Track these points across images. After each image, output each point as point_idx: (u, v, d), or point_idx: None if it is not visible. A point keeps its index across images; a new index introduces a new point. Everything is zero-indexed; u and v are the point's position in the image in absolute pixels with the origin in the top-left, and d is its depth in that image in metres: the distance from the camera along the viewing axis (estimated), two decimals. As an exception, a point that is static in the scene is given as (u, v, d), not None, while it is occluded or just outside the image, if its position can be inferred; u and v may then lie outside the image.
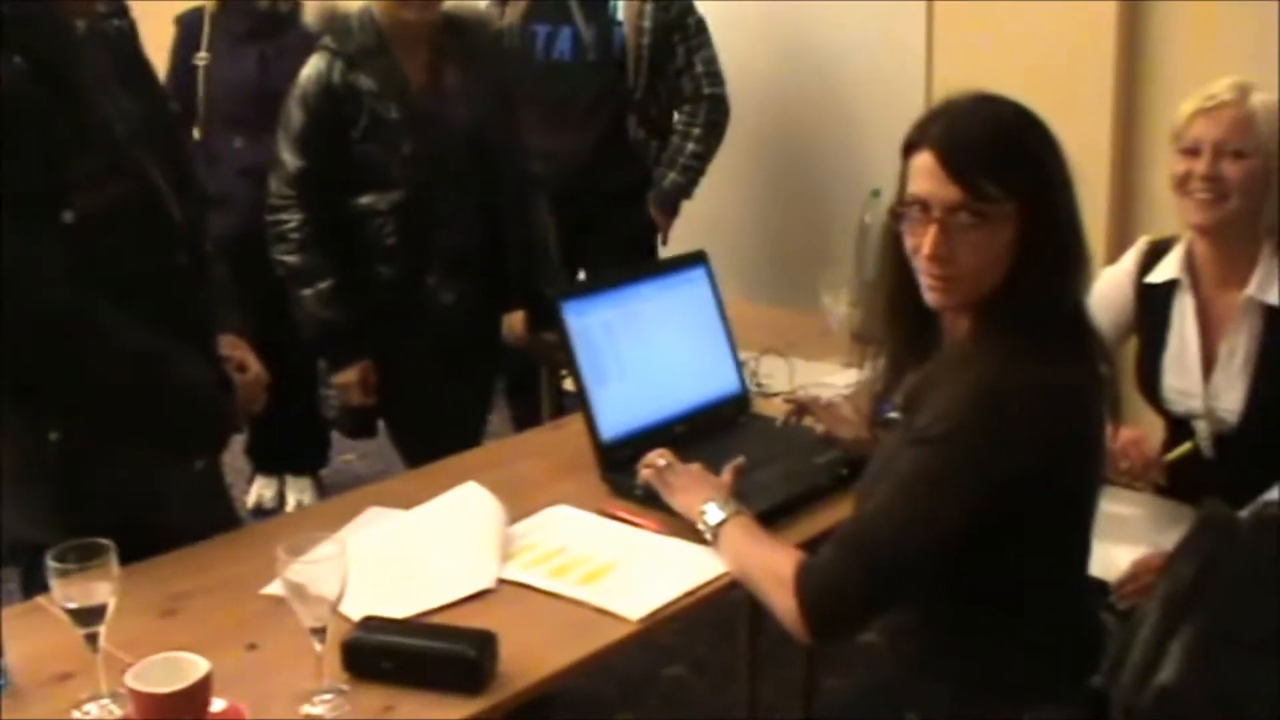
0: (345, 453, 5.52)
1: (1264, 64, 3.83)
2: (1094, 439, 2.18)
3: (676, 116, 4.72)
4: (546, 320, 3.63)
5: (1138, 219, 4.27)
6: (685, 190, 4.70)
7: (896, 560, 2.07)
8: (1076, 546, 2.25)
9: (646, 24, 4.55)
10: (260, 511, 5.08)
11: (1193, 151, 2.86)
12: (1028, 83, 3.90)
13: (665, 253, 3.52)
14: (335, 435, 5.15)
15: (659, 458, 2.57)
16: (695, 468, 2.53)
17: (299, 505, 5.13)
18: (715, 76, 4.68)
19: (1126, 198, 4.34)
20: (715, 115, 4.69)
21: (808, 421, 2.87)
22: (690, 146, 4.65)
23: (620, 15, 4.54)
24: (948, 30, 4.64)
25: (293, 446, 5.18)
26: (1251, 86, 2.85)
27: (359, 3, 3.52)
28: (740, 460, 2.55)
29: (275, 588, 2.26)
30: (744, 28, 5.17)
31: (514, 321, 3.80)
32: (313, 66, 3.47)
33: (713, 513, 2.38)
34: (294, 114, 3.47)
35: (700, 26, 4.67)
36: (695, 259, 3.08)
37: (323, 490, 5.23)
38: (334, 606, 2.01)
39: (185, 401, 2.54)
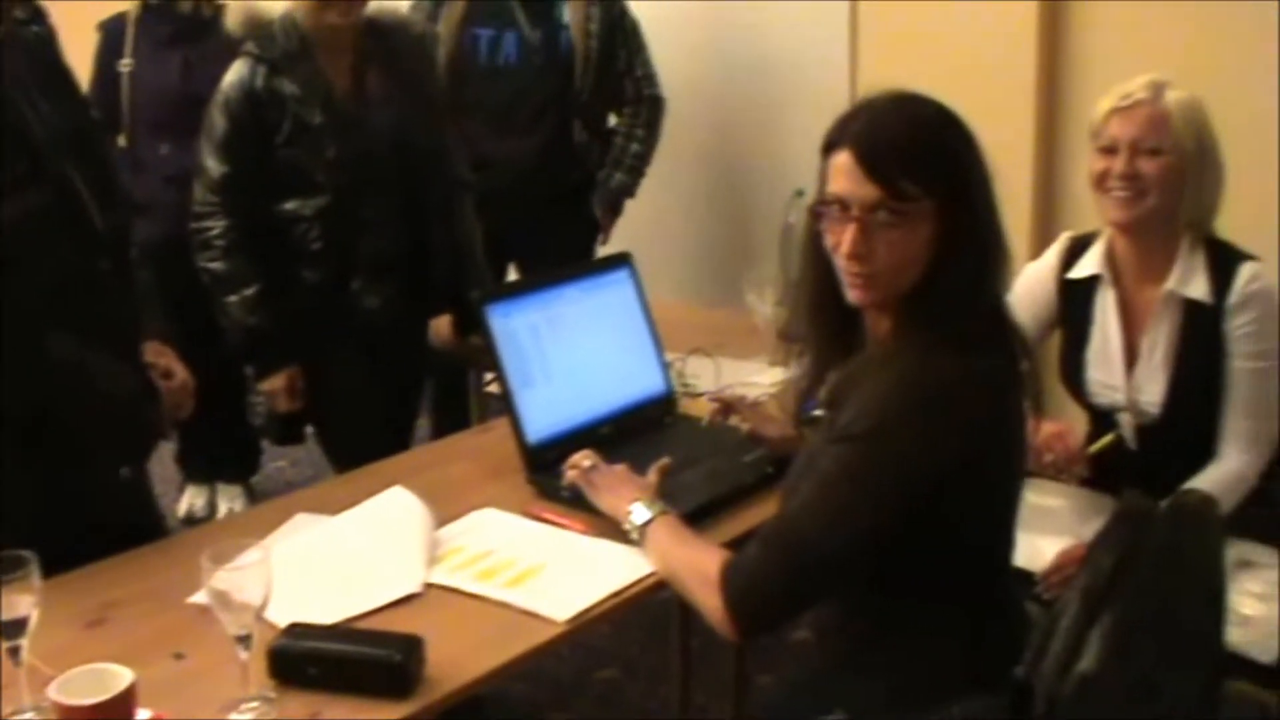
0: (277, 460, 5.50)
1: (1184, 61, 3.88)
2: (1014, 432, 2.21)
3: (618, 118, 4.75)
4: (473, 324, 3.65)
5: (1060, 215, 4.30)
6: (630, 190, 4.75)
7: (820, 557, 2.08)
8: (1001, 539, 2.28)
9: (594, 27, 4.56)
10: (191, 520, 5.05)
11: (1110, 150, 2.90)
12: (951, 81, 3.93)
13: (600, 253, 3.54)
14: (266, 442, 5.14)
15: (584, 459, 2.57)
16: (620, 468, 2.54)
17: (230, 513, 5.09)
18: (652, 78, 4.73)
19: (1049, 194, 4.38)
20: (655, 116, 4.73)
21: (734, 421, 2.88)
22: (634, 147, 4.70)
23: (565, 18, 4.55)
24: (871, 31, 4.67)
25: (223, 454, 5.15)
26: (1166, 84, 2.88)
27: (282, 5, 3.51)
28: (666, 460, 2.56)
29: (201, 596, 2.26)
30: (670, 30, 5.16)
31: (440, 326, 3.80)
32: (235, 72, 3.46)
33: (638, 513, 2.39)
34: (217, 120, 3.45)
35: (636, 28, 4.69)
36: (620, 260, 3.09)
37: (254, 498, 5.19)
38: (259, 613, 2.00)
39: (109, 409, 2.52)
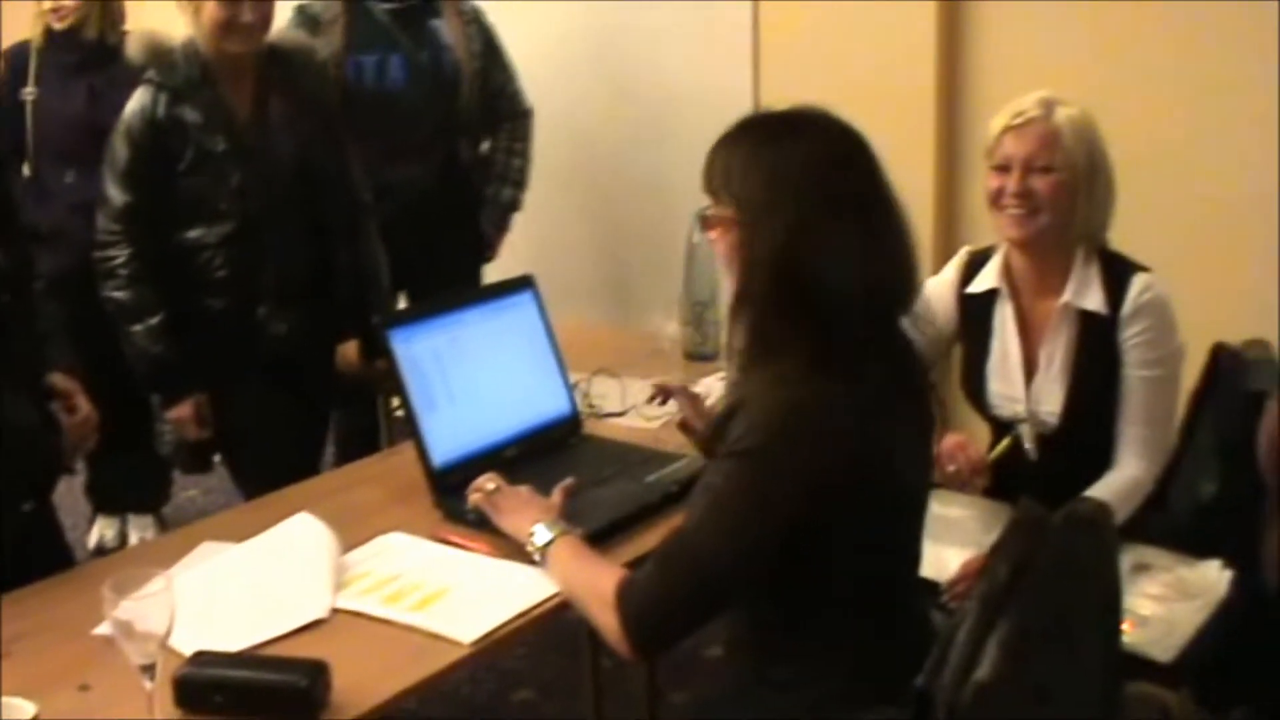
0: (188, 489, 5.45)
1: (1082, 74, 3.96)
2: (907, 448, 2.24)
3: (497, 135, 4.77)
4: (379, 348, 3.66)
5: (963, 228, 4.37)
6: (519, 204, 4.80)
7: (712, 573, 2.11)
8: (901, 550, 2.32)
9: (476, 47, 4.59)
10: (102, 551, 4.99)
11: (1004, 168, 2.95)
12: (851, 101, 3.99)
13: (495, 272, 3.54)
14: (178, 472, 5.10)
15: (487, 481, 2.59)
16: (524, 490, 2.56)
17: (141, 544, 5.06)
18: (522, 92, 4.80)
19: (951, 208, 4.44)
20: (529, 130, 4.81)
21: (669, 407, 2.95)
22: (516, 162, 4.75)
23: (445, 39, 4.57)
24: (773, 51, 4.72)
25: (133, 485, 5.09)
26: (1058, 101, 2.93)
27: (183, 33, 3.49)
28: (569, 481, 2.58)
29: (106, 627, 2.25)
30: (572, 50, 5.24)
31: (347, 351, 3.80)
32: (137, 100, 3.45)
33: (540, 534, 2.40)
34: (119, 149, 3.44)
35: (502, 47, 4.74)
36: (522, 283, 3.10)
37: (166, 528, 5.13)
38: (162, 642, 2.00)
39: (10, 443, 2.51)
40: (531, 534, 2.42)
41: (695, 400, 2.95)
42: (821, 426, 2.09)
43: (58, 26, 4.58)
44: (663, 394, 2.99)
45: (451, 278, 4.16)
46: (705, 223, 2.28)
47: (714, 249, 2.27)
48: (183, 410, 3.56)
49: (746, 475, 2.10)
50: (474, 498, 2.59)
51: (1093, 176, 2.91)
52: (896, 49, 4.43)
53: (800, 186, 2.13)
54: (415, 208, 4.26)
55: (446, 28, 4.55)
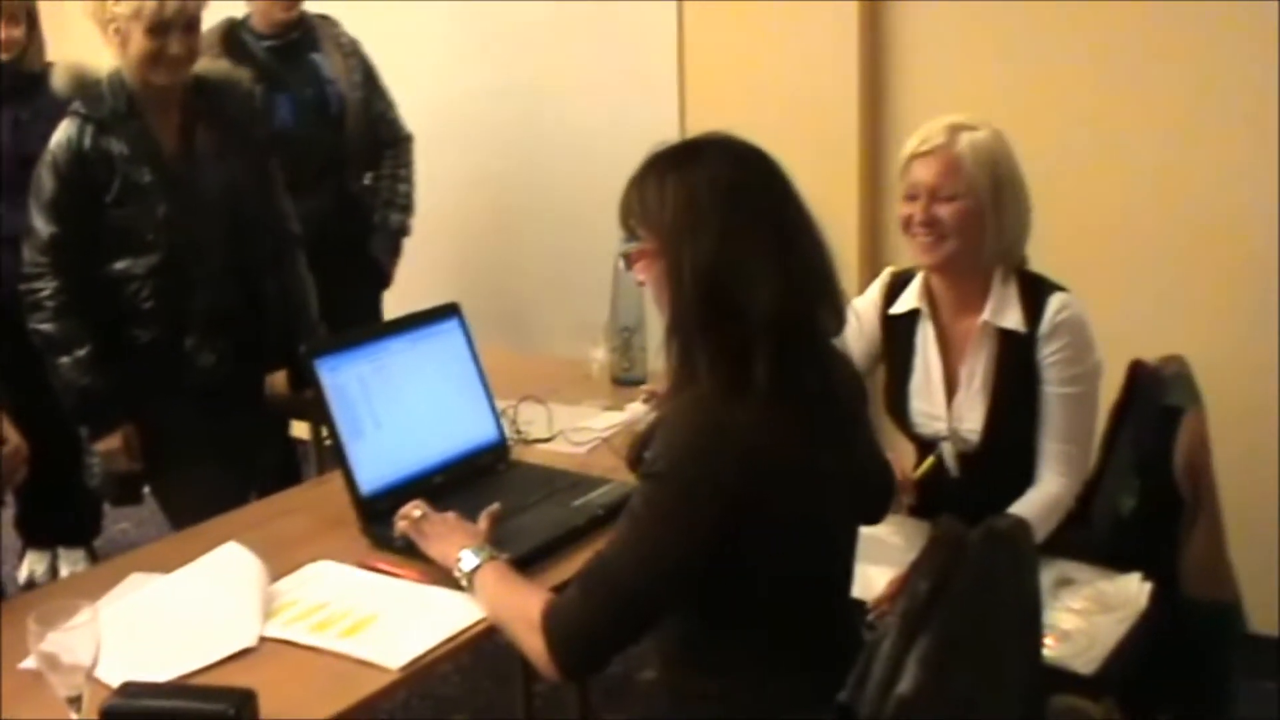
0: (119, 522, 5.43)
1: (1002, 90, 4.04)
2: (831, 463, 2.27)
3: (381, 163, 4.83)
4: (307, 377, 3.66)
5: (889, 246, 4.42)
6: (408, 229, 4.86)
7: (633, 594, 2.14)
8: (828, 568, 2.35)
9: (358, 78, 4.66)
10: (32, 586, 4.97)
11: (913, 196, 3.00)
12: (779, 131, 4.05)
13: (423, 301, 3.52)
14: (108, 505, 5.08)
15: (414, 508, 2.60)
16: (450, 516, 2.57)
17: (70, 577, 5.03)
18: (401, 120, 4.87)
19: (876, 226, 4.49)
20: (411, 154, 4.87)
21: (599, 430, 3.05)
22: (402, 187, 4.83)
23: (328, 74, 4.60)
24: (699, 78, 4.77)
25: (63, 518, 5.07)
26: (964, 126, 2.97)
27: (109, 64, 3.48)
28: (496, 506, 2.60)
29: (32, 660, 2.25)
30: (490, 76, 5.30)
31: (276, 381, 3.80)
32: (63, 132, 3.43)
33: (467, 560, 2.42)
34: (45, 181, 3.42)
35: (379, 75, 4.80)
36: (448, 310, 3.11)
37: (96, 561, 5.12)
38: (89, 674, 2.01)
39: None
40: (458, 560, 2.43)
41: None
42: (734, 446, 2.12)
43: (3, 58, 4.57)
44: (652, 399, 3.03)
45: (352, 308, 4.15)
46: (629, 260, 2.31)
47: (643, 283, 2.29)
48: (112, 442, 3.54)
49: (661, 496, 2.13)
50: (400, 525, 2.60)
51: (998, 199, 2.95)
52: (820, 68, 4.50)
53: (712, 207, 2.16)
54: (310, 242, 4.21)
55: (327, 61, 4.60)
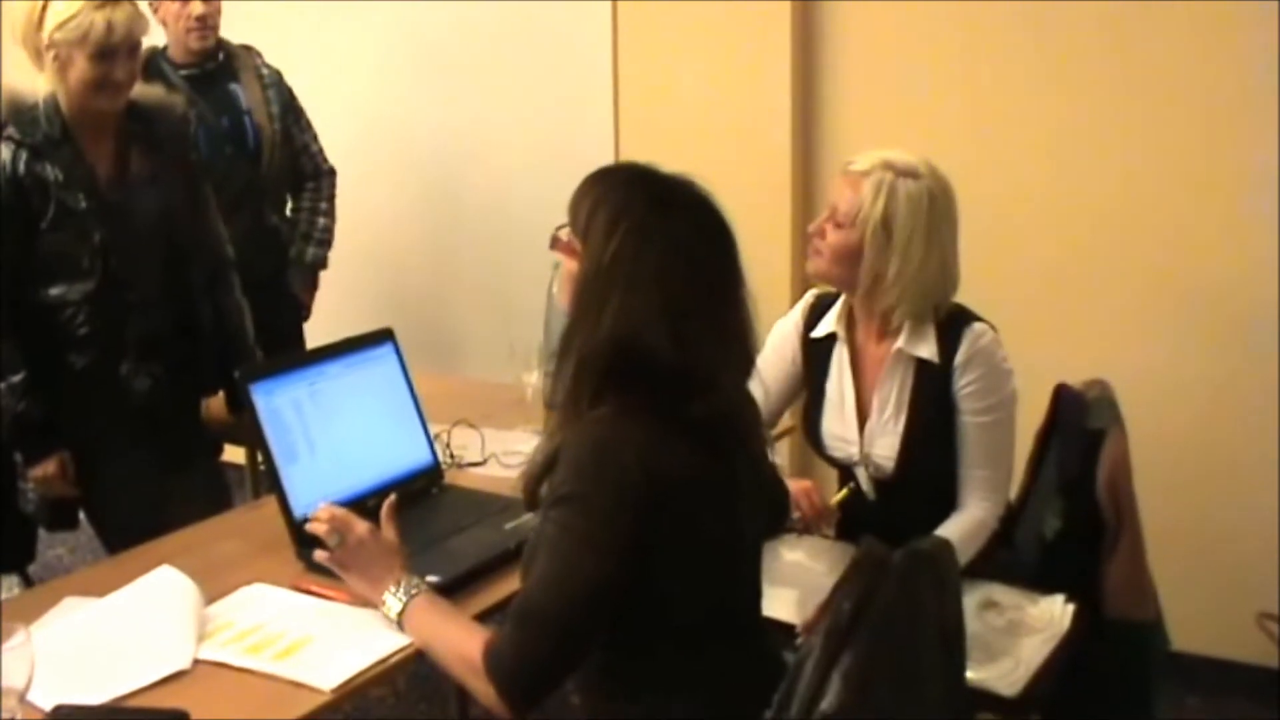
0: (55, 547, 5.41)
1: (933, 112, 4.13)
2: (730, 482, 2.31)
3: (300, 195, 4.87)
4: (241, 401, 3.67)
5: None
6: (325, 262, 4.90)
7: (567, 618, 2.16)
8: (735, 585, 2.38)
9: (275, 109, 4.68)
10: (-34, 611, 4.95)
11: (827, 207, 3.05)
12: (711, 150, 4.11)
13: (357, 326, 3.52)
14: (44, 531, 5.06)
15: (320, 525, 2.57)
16: (365, 536, 2.53)
17: (2, 601, 5.01)
18: (322, 152, 4.89)
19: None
20: (333, 189, 4.91)
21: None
22: (321, 220, 4.86)
23: (245, 104, 4.62)
24: (633, 101, 4.83)
25: (-3, 543, 5.05)
26: (892, 165, 2.96)
27: (44, 88, 3.45)
28: (393, 498, 2.64)
29: (-36, 683, 2.26)
30: (420, 101, 5.37)
31: (213, 404, 3.81)
32: None
33: (391, 604, 2.43)
34: None
35: (301, 108, 4.83)
36: (383, 336, 3.14)
37: (31, 586, 5.10)
38: (21, 696, 2.02)
39: None
40: (383, 603, 2.45)
41: None
42: (636, 459, 2.15)
43: None
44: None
45: (274, 340, 4.13)
46: (555, 241, 2.32)
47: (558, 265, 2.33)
48: (48, 467, 3.52)
49: (573, 518, 2.16)
50: (319, 556, 2.59)
51: (886, 246, 2.94)
52: (755, 83, 4.58)
53: (656, 275, 2.17)
54: None
55: (245, 92, 4.62)
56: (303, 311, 4.93)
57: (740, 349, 2.30)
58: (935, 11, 4.27)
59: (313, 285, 4.92)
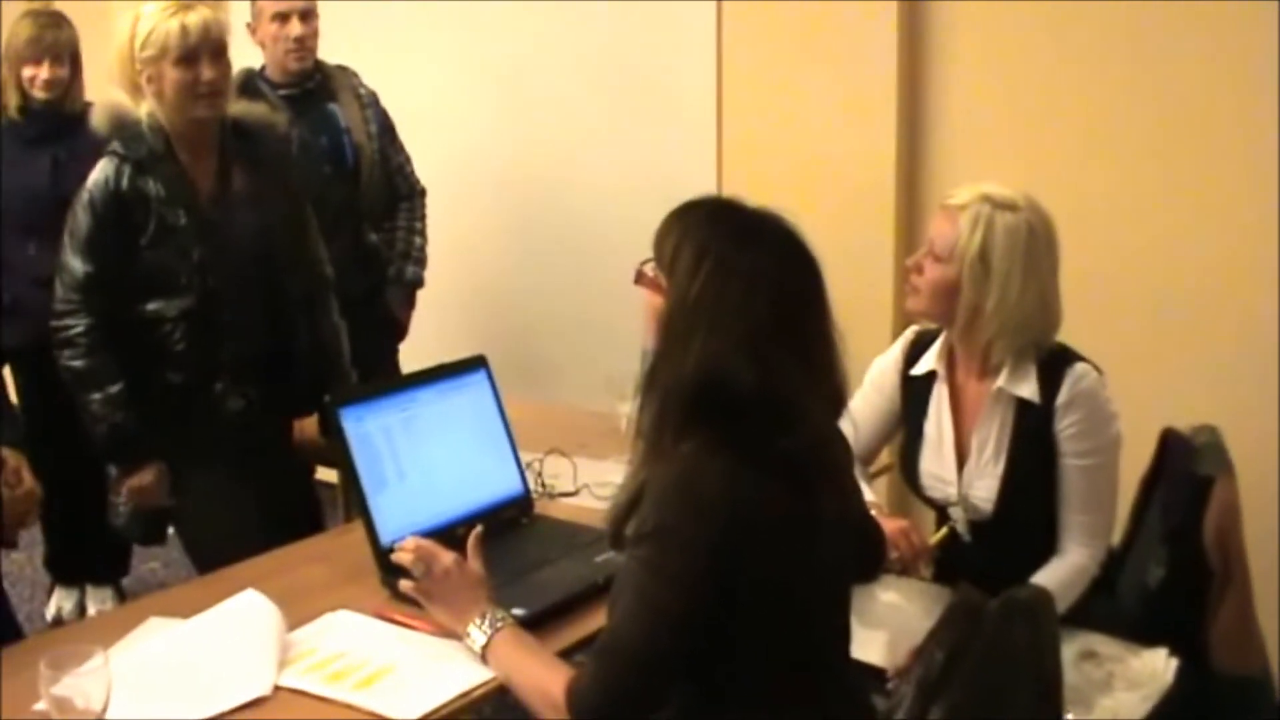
0: (149, 561, 5.45)
1: (1038, 149, 4.05)
2: (816, 521, 2.23)
3: (396, 215, 4.87)
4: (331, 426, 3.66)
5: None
6: (421, 281, 4.91)
7: (648, 657, 2.13)
8: (823, 629, 2.32)
9: (373, 129, 4.70)
10: (60, 623, 4.99)
11: (926, 241, 3.01)
12: (813, 186, 4.07)
13: (448, 354, 3.50)
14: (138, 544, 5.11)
15: (405, 554, 2.56)
16: (450, 567, 2.52)
17: (86, 620, 5.05)
18: (414, 172, 4.91)
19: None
20: (424, 208, 4.92)
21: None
22: (417, 240, 4.89)
23: (343, 124, 4.64)
24: (736, 131, 4.79)
25: (92, 555, 5.08)
26: (991, 199, 2.91)
27: (148, 104, 3.46)
28: (479, 529, 2.62)
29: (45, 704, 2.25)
30: (519, 126, 5.36)
31: (307, 425, 3.80)
32: (101, 171, 3.43)
33: (475, 637, 2.41)
34: (81, 219, 3.42)
35: (394, 126, 4.85)
36: (476, 363, 3.13)
37: (124, 599, 5.14)
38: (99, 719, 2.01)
39: None
40: (467, 635, 2.42)
41: None
42: (723, 499, 2.10)
43: (41, 97, 4.61)
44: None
45: (369, 359, 4.13)
46: (640, 277, 2.29)
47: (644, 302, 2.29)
48: (144, 478, 3.52)
49: (656, 556, 2.12)
50: (404, 586, 2.57)
51: (984, 281, 2.89)
52: (859, 117, 4.52)
53: (740, 308, 2.14)
54: None
55: (343, 112, 4.64)
56: (400, 331, 4.93)
57: (828, 383, 2.24)
58: (1041, 45, 4.22)
59: (410, 304, 4.93)
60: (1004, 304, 2.89)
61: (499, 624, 2.40)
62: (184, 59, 3.37)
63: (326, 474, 4.24)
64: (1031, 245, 2.90)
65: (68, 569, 5.13)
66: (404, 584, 2.57)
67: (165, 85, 3.40)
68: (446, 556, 2.53)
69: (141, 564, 5.38)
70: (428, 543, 2.57)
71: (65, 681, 1.99)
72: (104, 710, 2.01)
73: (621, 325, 4.31)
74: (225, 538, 3.37)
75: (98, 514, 4.82)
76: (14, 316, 4.18)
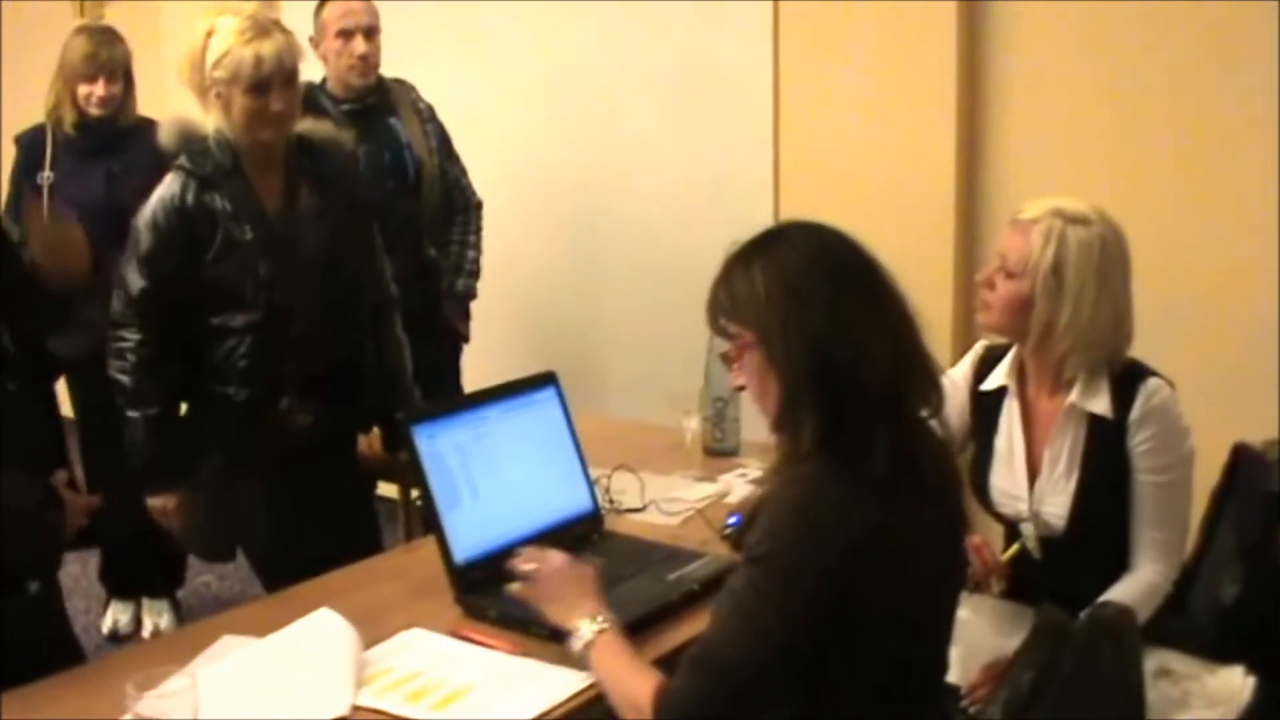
0: (203, 574, 5.48)
1: (1103, 163, 4.04)
2: (928, 546, 2.24)
3: (451, 228, 4.89)
4: (403, 443, 3.66)
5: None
6: (474, 293, 4.93)
7: (741, 676, 2.12)
8: (926, 651, 2.31)
9: (434, 144, 4.72)
10: (116, 636, 5.03)
11: (996, 257, 2.99)
12: (874, 195, 4.05)
13: (514, 371, 3.49)
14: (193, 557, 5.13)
15: (524, 562, 2.58)
16: (562, 567, 2.55)
17: (155, 628, 5.08)
18: (471, 185, 4.93)
19: (971, 293, 4.47)
20: (480, 221, 4.94)
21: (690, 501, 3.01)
22: (471, 253, 4.91)
23: (404, 138, 4.66)
24: (793, 139, 4.79)
25: (148, 569, 5.11)
26: (1062, 214, 2.90)
27: (215, 121, 3.47)
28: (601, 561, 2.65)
29: (128, 721, 2.26)
30: (579, 140, 5.37)
31: (370, 441, 3.80)
32: (167, 187, 3.43)
33: (584, 632, 2.40)
34: (143, 235, 3.42)
35: (450, 139, 4.86)
36: (545, 379, 3.13)
37: (180, 612, 5.17)
38: (185, 740, 2.01)
39: (15, 522, 2.53)
40: (576, 629, 2.42)
41: None
42: (835, 527, 2.10)
43: (96, 113, 4.64)
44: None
45: (429, 374, 4.12)
46: (726, 360, 2.31)
47: (743, 387, 2.29)
48: (166, 502, 3.54)
49: (764, 579, 2.12)
50: (514, 587, 2.58)
51: (1057, 297, 2.88)
52: (919, 137, 4.52)
53: (809, 283, 2.17)
54: None
55: (403, 126, 4.66)
56: (462, 339, 4.95)
57: (929, 371, 2.25)
58: (1100, 47, 4.21)
59: (466, 316, 4.93)
60: (1077, 319, 2.87)
61: (606, 624, 2.41)
62: (255, 88, 3.37)
63: (383, 489, 4.26)
64: (1105, 260, 2.88)
65: (123, 582, 5.15)
66: (514, 587, 2.58)
67: (234, 108, 3.40)
68: (557, 556, 2.57)
69: (196, 576, 5.40)
70: (536, 547, 2.62)
71: (152, 702, 1.99)
72: (190, 731, 2.01)
73: (677, 334, 4.33)
74: (292, 554, 3.39)
75: (154, 527, 4.86)
76: (72, 329, 4.18)
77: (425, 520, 3.97)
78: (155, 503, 3.56)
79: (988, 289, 2.99)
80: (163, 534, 4.93)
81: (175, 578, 5.23)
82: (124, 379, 3.47)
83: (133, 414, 3.47)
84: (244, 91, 3.37)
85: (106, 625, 5.09)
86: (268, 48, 3.37)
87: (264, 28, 3.40)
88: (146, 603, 5.16)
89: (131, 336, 3.45)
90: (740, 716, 2.17)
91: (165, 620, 5.11)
